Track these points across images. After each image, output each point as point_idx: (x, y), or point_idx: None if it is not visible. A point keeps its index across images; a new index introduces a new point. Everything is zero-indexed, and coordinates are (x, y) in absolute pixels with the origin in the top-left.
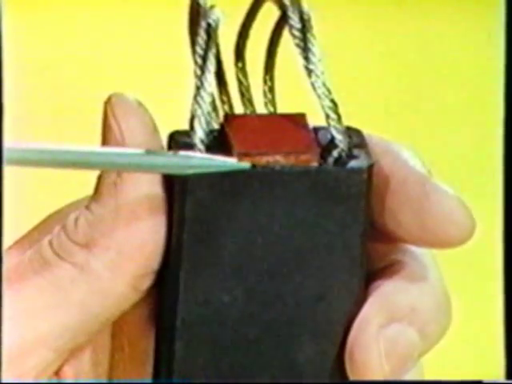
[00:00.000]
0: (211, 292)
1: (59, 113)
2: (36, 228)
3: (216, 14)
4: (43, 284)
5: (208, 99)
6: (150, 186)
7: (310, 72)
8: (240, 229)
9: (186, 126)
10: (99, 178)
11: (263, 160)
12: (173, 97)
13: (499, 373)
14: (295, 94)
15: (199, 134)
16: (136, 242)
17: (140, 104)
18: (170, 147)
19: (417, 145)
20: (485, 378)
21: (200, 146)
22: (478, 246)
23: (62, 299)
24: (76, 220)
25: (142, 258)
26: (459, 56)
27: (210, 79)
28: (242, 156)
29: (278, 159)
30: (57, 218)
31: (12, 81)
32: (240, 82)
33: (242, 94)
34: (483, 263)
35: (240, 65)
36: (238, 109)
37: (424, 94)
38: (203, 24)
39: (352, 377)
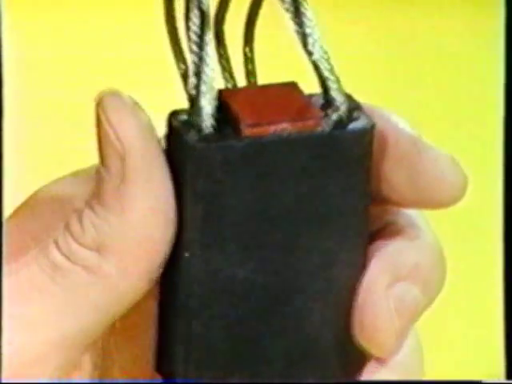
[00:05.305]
0: (224, 267)
1: (57, 111)
2: (29, 215)
3: None
4: (56, 290)
5: (211, 74)
6: (154, 189)
7: (305, 36)
8: (250, 200)
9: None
10: (99, 179)
11: (271, 129)
12: (164, 91)
13: (499, 373)
14: (272, 67)
15: (207, 110)
16: (147, 243)
17: (134, 103)
18: (170, 127)
19: None
20: (485, 378)
21: (210, 121)
22: (477, 231)
23: (77, 303)
24: (80, 221)
25: (154, 255)
26: (459, 54)
27: (211, 53)
28: (251, 127)
29: (285, 127)
30: (50, 204)
31: (11, 80)
32: (220, 55)
33: (223, 68)
34: (483, 261)
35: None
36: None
37: (424, 91)
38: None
39: (361, 340)
